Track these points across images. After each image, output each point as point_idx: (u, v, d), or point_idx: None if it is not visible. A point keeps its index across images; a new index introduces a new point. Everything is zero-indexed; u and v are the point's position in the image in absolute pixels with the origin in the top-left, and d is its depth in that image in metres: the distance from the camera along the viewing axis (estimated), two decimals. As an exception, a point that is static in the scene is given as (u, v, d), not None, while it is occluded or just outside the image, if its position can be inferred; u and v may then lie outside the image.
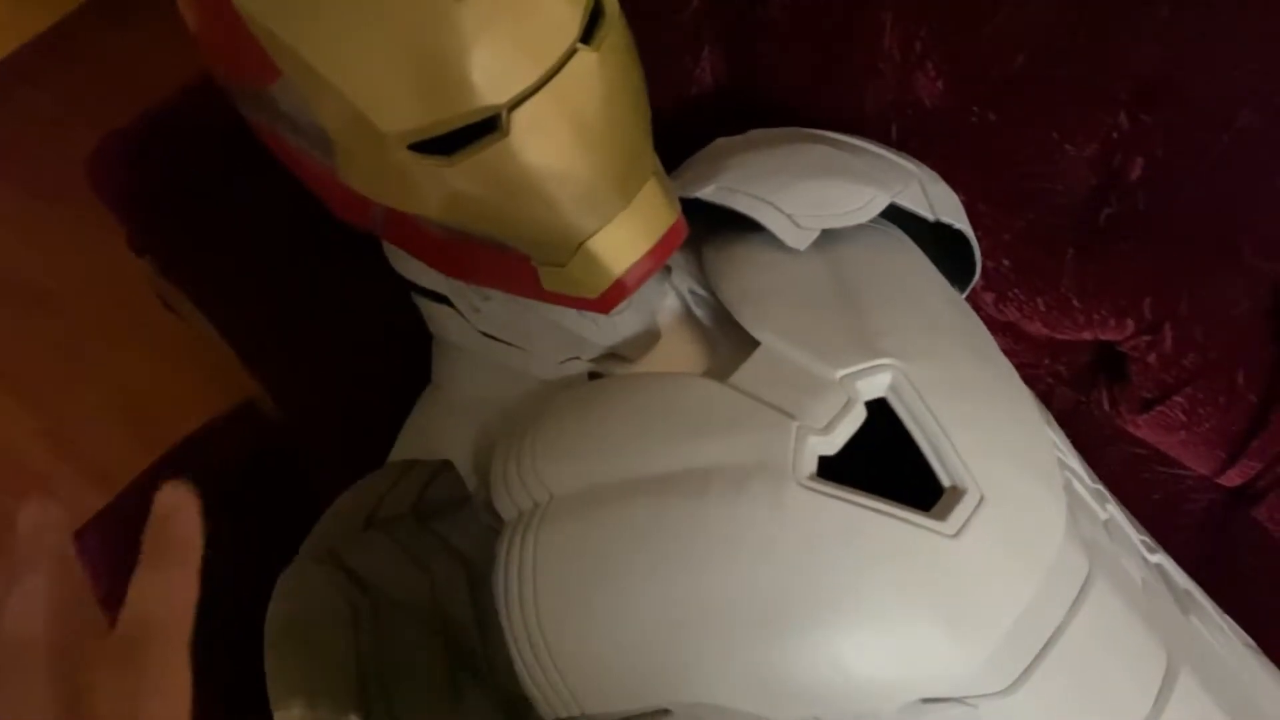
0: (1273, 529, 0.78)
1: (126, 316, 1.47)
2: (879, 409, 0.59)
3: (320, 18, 0.50)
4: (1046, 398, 0.85)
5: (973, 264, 0.75)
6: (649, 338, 0.65)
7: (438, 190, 0.54)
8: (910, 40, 0.74)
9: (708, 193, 0.66)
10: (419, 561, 0.58)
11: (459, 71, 0.50)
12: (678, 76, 0.83)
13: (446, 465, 0.62)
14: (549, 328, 0.64)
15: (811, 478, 0.55)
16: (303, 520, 0.67)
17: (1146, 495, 0.82)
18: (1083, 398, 0.85)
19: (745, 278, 0.65)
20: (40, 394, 1.46)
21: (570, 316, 0.64)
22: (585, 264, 0.57)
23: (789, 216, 0.65)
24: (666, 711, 0.55)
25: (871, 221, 0.68)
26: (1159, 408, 0.78)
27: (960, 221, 0.71)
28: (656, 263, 0.58)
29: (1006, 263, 0.78)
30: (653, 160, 0.59)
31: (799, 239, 0.65)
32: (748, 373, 0.59)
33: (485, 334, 0.66)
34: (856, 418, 0.58)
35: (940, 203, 0.70)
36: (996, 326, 0.84)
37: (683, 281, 0.67)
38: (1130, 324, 0.75)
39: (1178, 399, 0.76)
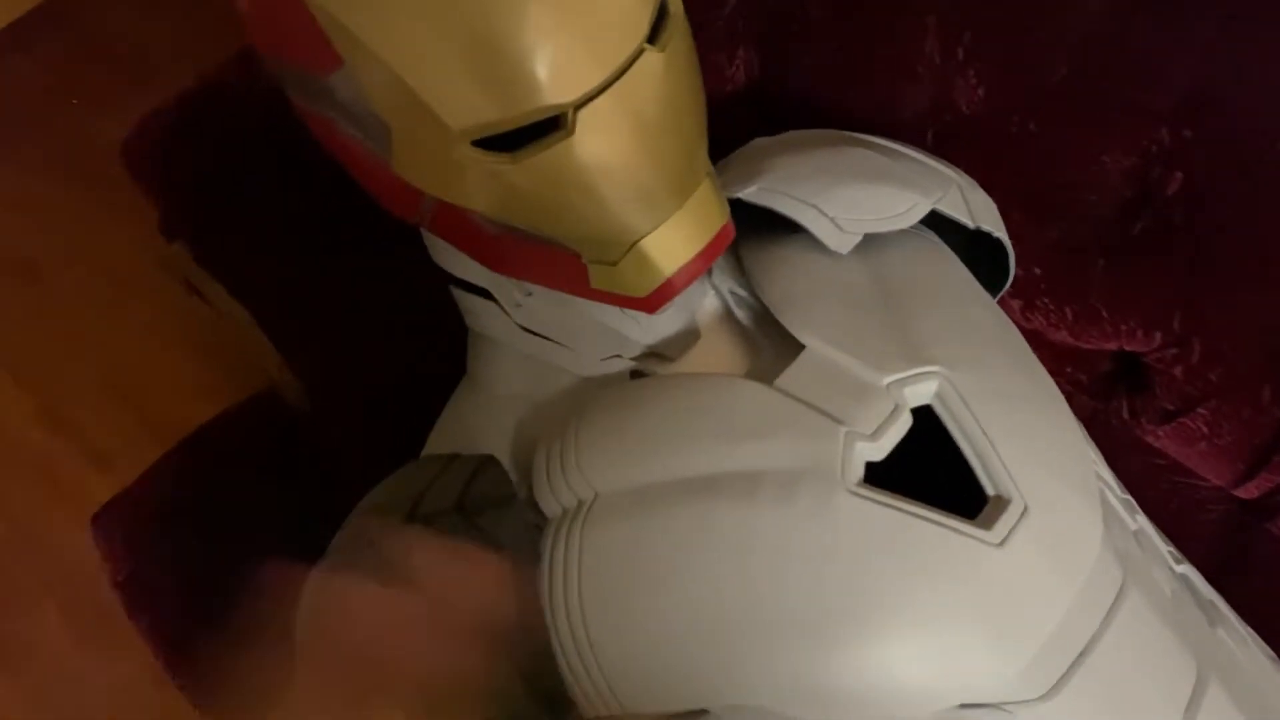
0: (1288, 540, 0.80)
1: (122, 294, 1.46)
2: (922, 416, 0.59)
3: (390, 9, 0.49)
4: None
5: (1004, 272, 0.75)
6: (689, 337, 0.65)
7: (497, 187, 0.54)
8: (952, 45, 0.74)
9: (749, 193, 0.66)
10: (467, 559, 0.57)
11: (529, 69, 0.49)
12: (712, 75, 0.83)
13: (491, 460, 0.62)
14: (591, 325, 0.64)
15: (860, 484, 0.55)
16: (320, 509, 0.66)
17: (1163, 505, 0.82)
18: (1101, 406, 0.85)
19: (788, 280, 0.65)
20: (36, 372, 1.45)
21: (613, 314, 0.63)
22: (637, 263, 0.56)
23: (831, 220, 0.65)
24: (704, 712, 0.55)
25: (911, 227, 0.68)
26: (1181, 419, 0.78)
27: (999, 230, 0.71)
28: (705, 264, 0.58)
29: (1037, 271, 0.79)
30: (707, 163, 0.59)
31: (841, 242, 0.65)
32: (794, 376, 0.59)
33: (525, 329, 0.66)
34: (903, 425, 0.58)
35: (980, 210, 0.71)
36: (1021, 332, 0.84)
37: (723, 282, 0.66)
38: (1158, 336, 0.76)
39: (1201, 411, 0.77)
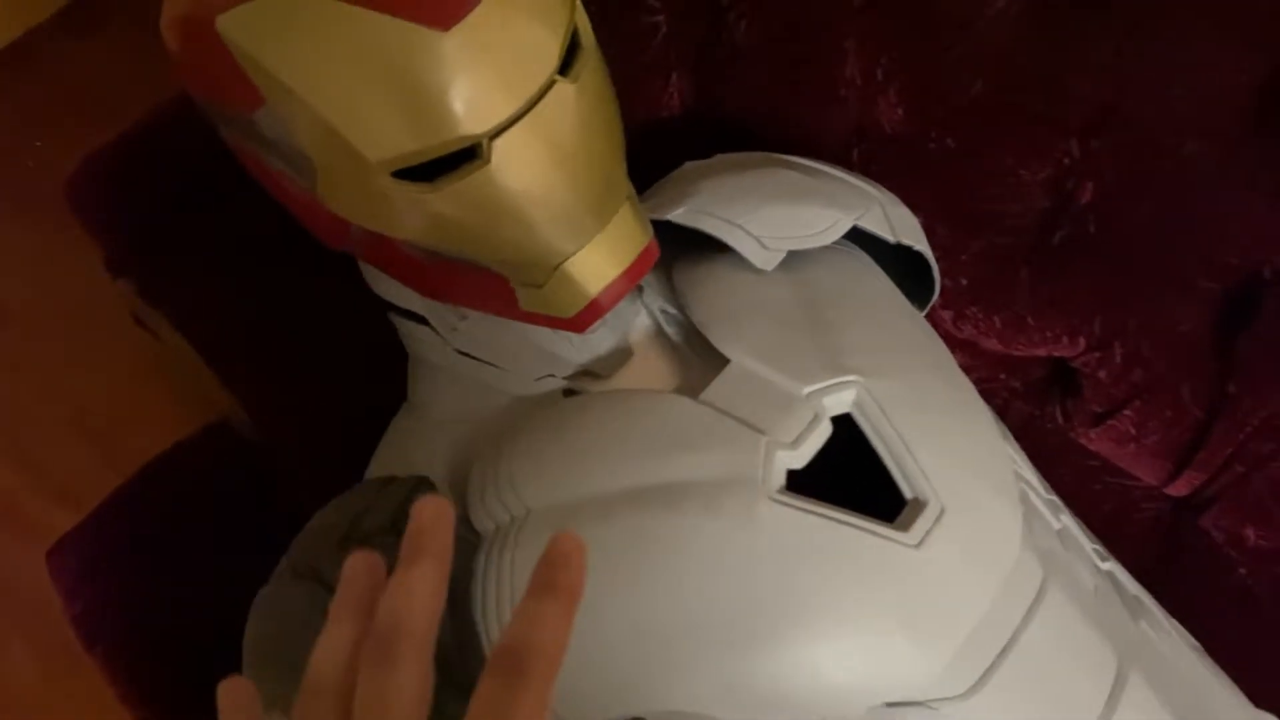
0: (1217, 536, 0.82)
1: (86, 333, 1.47)
2: (846, 425, 0.61)
3: (305, 47, 0.51)
4: (1002, 412, 0.88)
5: (932, 284, 0.78)
6: (622, 355, 0.67)
7: (419, 215, 0.56)
8: (872, 68, 0.77)
9: (678, 215, 0.68)
10: (399, 576, 0.59)
11: (443, 102, 0.52)
12: (647, 101, 0.86)
13: (424, 481, 0.63)
14: (525, 346, 0.66)
15: (781, 491, 0.57)
16: (275, 537, 0.68)
17: (1098, 505, 0.85)
18: (1037, 411, 0.88)
19: (715, 298, 0.67)
20: (4, 414, 1.45)
21: (545, 335, 0.65)
22: (562, 285, 0.58)
23: (756, 239, 0.68)
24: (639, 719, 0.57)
25: (836, 243, 0.70)
26: (1109, 421, 0.81)
27: (920, 243, 0.74)
28: (629, 284, 0.60)
29: (964, 281, 0.81)
30: (627, 186, 0.61)
31: (766, 260, 0.67)
32: (718, 390, 0.61)
33: (462, 352, 0.68)
34: (823, 432, 0.60)
35: (901, 225, 0.73)
36: (955, 343, 0.87)
37: (654, 300, 0.69)
38: (1082, 341, 0.79)
39: (1127, 413, 0.79)
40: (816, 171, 0.75)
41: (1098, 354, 0.78)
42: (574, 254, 0.58)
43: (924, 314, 0.81)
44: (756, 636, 0.56)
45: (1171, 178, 0.69)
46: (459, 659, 0.59)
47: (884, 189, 0.75)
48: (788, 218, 0.69)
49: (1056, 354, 0.82)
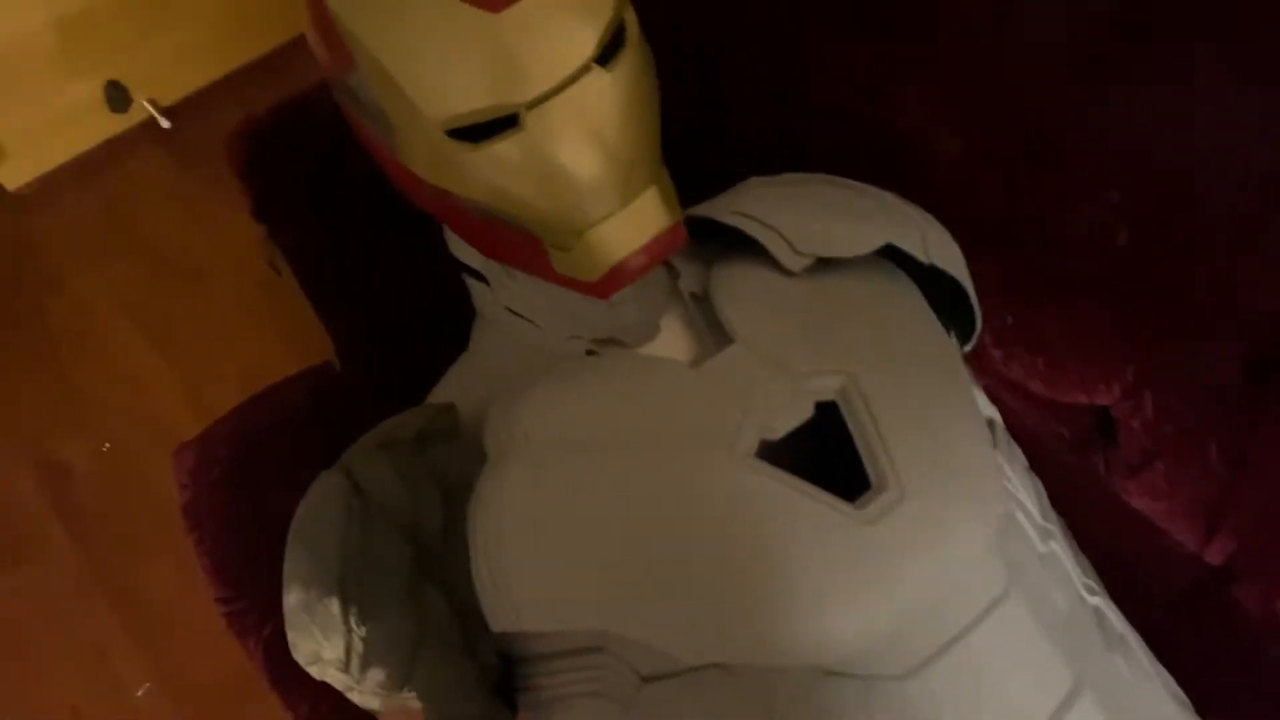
0: (1250, 609, 0.79)
1: (269, 300, 1.67)
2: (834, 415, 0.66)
3: (383, 16, 0.63)
4: (1051, 458, 0.89)
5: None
6: (648, 329, 0.74)
7: (468, 173, 0.66)
8: (931, 101, 0.82)
9: (722, 215, 0.75)
10: (409, 478, 0.68)
11: (489, 71, 0.62)
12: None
13: (450, 407, 0.73)
14: (559, 308, 0.75)
15: (750, 457, 0.63)
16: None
17: (1136, 562, 0.84)
18: (1083, 461, 0.88)
19: (738, 289, 0.73)
20: (188, 361, 1.67)
21: (577, 300, 0.73)
22: (586, 250, 0.67)
23: (789, 242, 0.74)
24: (599, 649, 0.63)
25: (877, 263, 0.75)
26: (1143, 474, 0.81)
27: (955, 268, 0.77)
28: (651, 258, 0.68)
29: (1010, 319, 0.84)
30: (657, 172, 0.69)
31: (795, 262, 0.73)
32: (716, 364, 0.68)
33: (510, 310, 0.77)
34: (802, 412, 0.65)
35: (936, 248, 0.77)
36: (1005, 384, 0.89)
37: (688, 287, 0.76)
38: (1116, 388, 0.79)
39: (1159, 465, 0.79)
40: (863, 191, 0.80)
41: (1130, 402, 0.79)
42: (598, 223, 0.66)
43: (971, 347, 0.84)
44: (712, 582, 0.61)
45: (1201, 229, 0.70)
46: (447, 555, 0.67)
47: (928, 215, 0.79)
48: (821, 227, 0.75)
49: (1096, 401, 0.83)
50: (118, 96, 1.72)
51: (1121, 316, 0.77)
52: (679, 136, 0.73)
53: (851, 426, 0.66)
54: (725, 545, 0.61)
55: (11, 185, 1.75)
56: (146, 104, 1.75)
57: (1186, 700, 0.71)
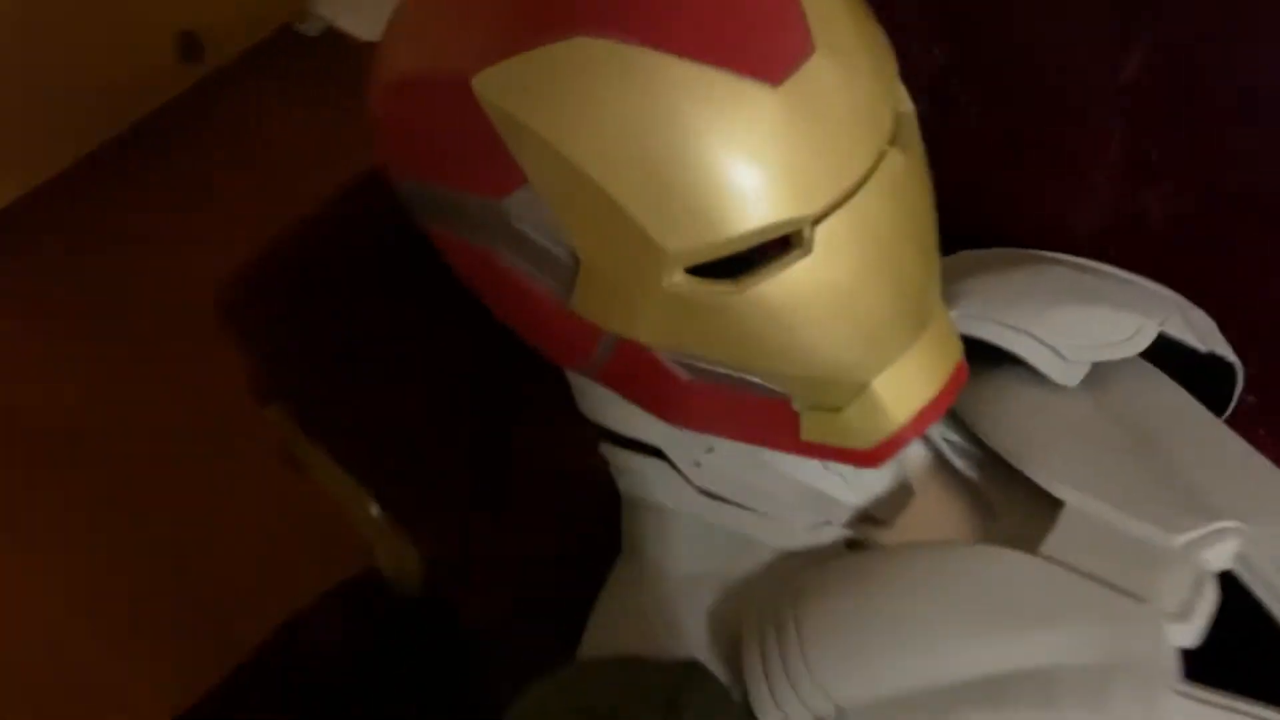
0: None
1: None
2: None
3: (597, 108, 0.40)
4: None
5: (1212, 398, 0.65)
6: (903, 494, 0.54)
7: (710, 321, 0.44)
8: (1141, 151, 0.66)
9: (954, 320, 0.56)
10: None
11: (770, 176, 0.40)
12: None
13: (696, 667, 0.49)
14: (787, 486, 0.54)
15: (1182, 681, 0.44)
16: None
17: None
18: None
19: (1015, 420, 0.54)
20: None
21: (813, 472, 0.53)
22: (866, 409, 0.47)
23: (1052, 348, 0.56)
24: None
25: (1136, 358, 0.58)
26: None
27: (1227, 350, 0.61)
28: (940, 409, 0.49)
29: (1251, 399, 0.69)
30: (941, 286, 0.50)
31: (1068, 374, 0.55)
32: (1063, 541, 0.48)
33: (706, 492, 0.55)
34: (1211, 599, 0.47)
35: (1204, 331, 0.61)
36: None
37: (934, 426, 0.56)
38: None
39: None
40: (1090, 269, 0.63)
41: None
42: (884, 370, 0.46)
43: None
44: None
45: None
46: None
47: (1175, 292, 0.63)
48: (1081, 323, 0.57)
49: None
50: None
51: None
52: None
53: (1268, 602, 0.47)
54: None
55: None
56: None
57: None
